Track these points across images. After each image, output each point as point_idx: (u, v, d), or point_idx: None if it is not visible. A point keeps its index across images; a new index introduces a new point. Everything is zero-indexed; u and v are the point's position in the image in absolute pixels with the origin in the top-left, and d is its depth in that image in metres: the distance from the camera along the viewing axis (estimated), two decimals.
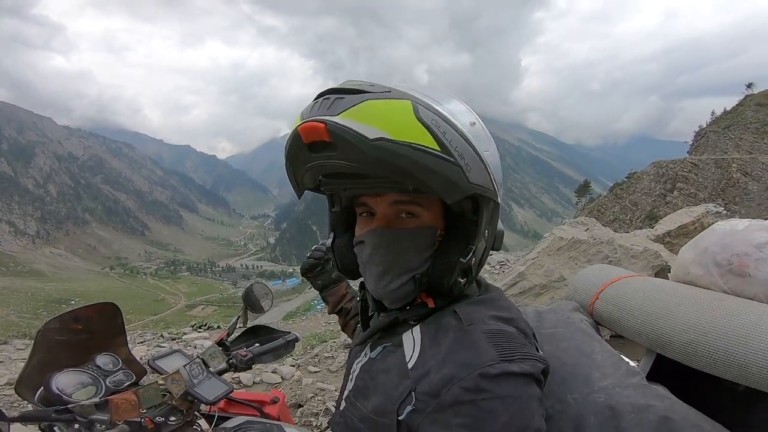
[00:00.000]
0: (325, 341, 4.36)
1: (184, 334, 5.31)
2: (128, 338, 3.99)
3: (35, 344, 0.93)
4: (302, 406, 2.81)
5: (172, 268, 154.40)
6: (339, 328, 5.76)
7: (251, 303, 1.29)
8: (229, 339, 1.20)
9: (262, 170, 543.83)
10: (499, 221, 0.63)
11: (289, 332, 1.32)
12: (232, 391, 1.00)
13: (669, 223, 4.68)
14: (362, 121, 0.50)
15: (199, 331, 5.57)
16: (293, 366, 3.71)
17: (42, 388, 0.90)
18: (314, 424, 2.62)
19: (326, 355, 3.81)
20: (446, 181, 0.52)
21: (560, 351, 0.78)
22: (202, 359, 1.02)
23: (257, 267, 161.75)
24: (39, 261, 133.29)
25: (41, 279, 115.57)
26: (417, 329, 0.60)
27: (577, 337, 0.83)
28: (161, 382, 0.88)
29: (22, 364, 0.88)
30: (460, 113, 0.55)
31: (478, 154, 0.54)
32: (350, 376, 0.68)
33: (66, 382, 0.90)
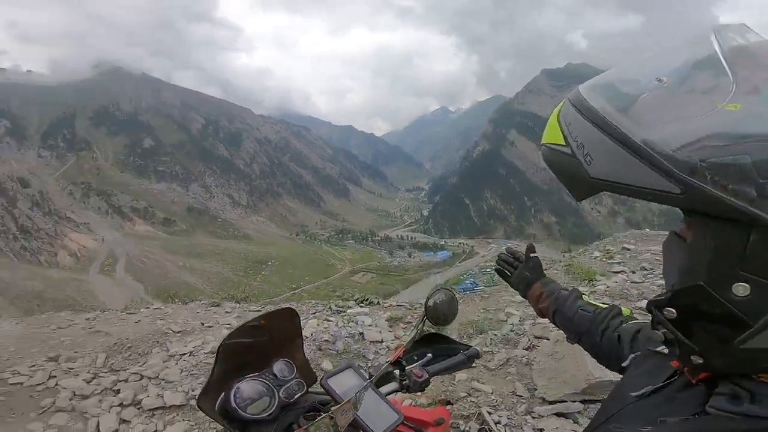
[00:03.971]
0: (485, 332, 3.98)
1: (349, 308, 5.75)
2: (304, 308, 4.50)
3: (217, 358, 0.94)
4: (451, 404, 2.60)
5: (340, 236, 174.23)
6: (500, 318, 5.20)
7: (435, 314, 1.17)
8: (408, 345, 1.11)
9: (415, 145, 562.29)
10: None
11: (470, 346, 1.20)
12: (401, 422, 0.93)
13: None
14: None
15: (361, 306, 5.98)
16: None
17: (223, 395, 0.92)
18: (461, 428, 2.39)
19: (485, 349, 3.45)
20: (564, 176, 0.48)
21: None
22: (374, 381, 0.97)
23: (411, 238, 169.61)
24: (248, 227, 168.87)
25: (249, 242, 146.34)
26: None
27: None
28: (331, 415, 0.84)
29: (227, 332, 0.87)
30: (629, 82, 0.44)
31: (623, 140, 0.40)
32: (619, 404, 0.57)
33: (245, 392, 0.93)
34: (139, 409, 3.15)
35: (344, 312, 5.48)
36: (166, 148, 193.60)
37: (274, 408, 0.94)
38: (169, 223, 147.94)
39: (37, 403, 3.29)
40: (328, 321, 4.72)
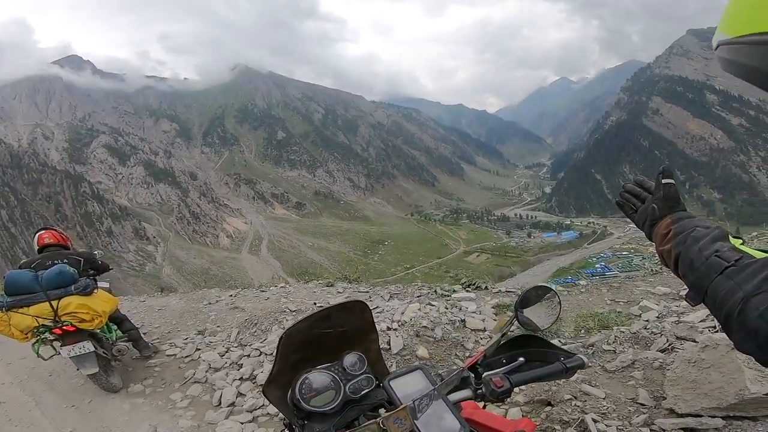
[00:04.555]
0: (608, 327, 3.46)
1: (454, 291, 5.61)
2: (409, 291, 4.49)
3: (279, 347, 0.92)
4: (552, 406, 2.31)
5: (454, 215, 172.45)
6: (632, 312, 4.50)
7: (527, 318, 1.05)
8: (485, 361, 1.00)
9: (533, 120, 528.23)
10: None
11: (574, 354, 1.01)
12: None
13: None
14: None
15: (467, 291, 5.80)
16: None
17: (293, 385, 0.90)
18: None
19: (606, 347, 2.97)
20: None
21: None
22: (440, 388, 0.87)
23: (531, 217, 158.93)
24: (366, 209, 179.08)
25: (367, 223, 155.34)
26: None
27: None
28: (380, 422, 0.77)
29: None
30: None
31: None
32: None
33: (312, 383, 0.90)
34: (254, 383, 3.45)
35: (449, 296, 5.35)
36: (295, 139, 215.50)
37: (337, 402, 0.90)
38: (301, 207, 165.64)
39: (182, 374, 3.81)
40: (431, 305, 4.65)
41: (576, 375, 2.60)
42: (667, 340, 2.79)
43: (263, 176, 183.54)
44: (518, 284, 6.00)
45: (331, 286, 6.91)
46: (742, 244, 0.71)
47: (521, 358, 1.00)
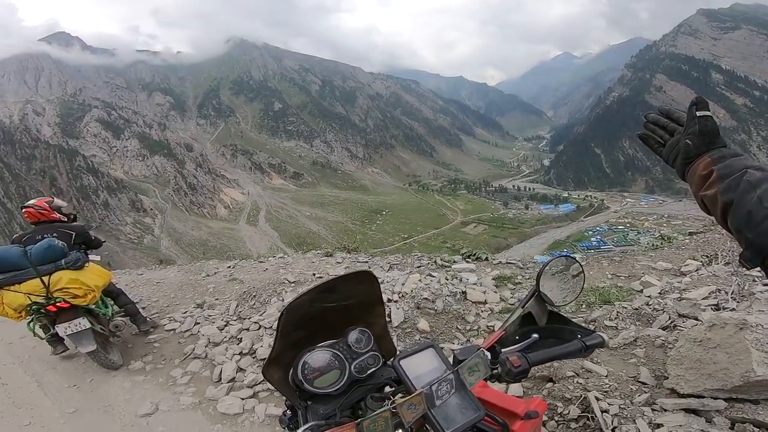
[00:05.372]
0: (610, 302, 3.40)
1: (454, 262, 5.57)
2: (409, 261, 4.40)
3: (279, 325, 0.85)
4: (554, 383, 2.27)
5: (452, 186, 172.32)
6: (634, 287, 4.44)
7: (550, 294, 0.97)
8: (509, 329, 0.95)
9: (534, 93, 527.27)
10: None
11: (592, 331, 0.95)
12: (481, 419, 0.81)
13: None
14: None
15: (468, 261, 5.76)
16: None
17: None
18: (559, 410, 2.06)
19: (608, 323, 2.90)
20: None
21: None
22: (458, 371, 0.81)
23: (529, 189, 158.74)
24: (364, 178, 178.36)
25: (365, 192, 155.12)
26: None
27: None
28: (393, 408, 0.72)
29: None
30: None
31: None
32: None
33: (314, 362, 0.86)
34: (253, 357, 3.41)
35: (449, 267, 5.30)
36: (292, 110, 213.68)
37: (342, 383, 0.86)
38: (298, 177, 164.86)
39: (182, 350, 3.77)
40: (432, 276, 4.60)
41: None
42: (669, 318, 2.75)
43: (260, 147, 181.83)
44: (518, 257, 5.93)
45: (330, 256, 6.85)
46: None
47: (535, 335, 0.95)
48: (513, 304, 3.79)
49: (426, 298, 3.85)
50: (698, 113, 0.72)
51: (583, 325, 0.98)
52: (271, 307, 4.18)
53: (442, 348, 1.00)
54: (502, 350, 0.90)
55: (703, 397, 1.85)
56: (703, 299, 2.91)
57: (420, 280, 4.36)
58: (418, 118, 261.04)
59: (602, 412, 1.93)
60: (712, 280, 3.24)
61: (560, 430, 2.03)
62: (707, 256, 4.21)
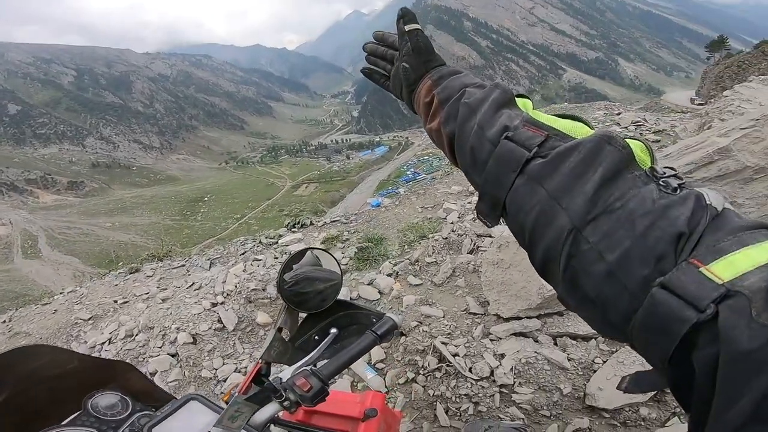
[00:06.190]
0: (425, 237, 3.56)
1: (280, 236, 5.19)
2: (231, 250, 3.77)
3: None
4: (405, 336, 2.28)
5: (273, 154, 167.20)
6: (439, 215, 4.68)
7: (298, 296, 0.86)
8: (270, 355, 0.81)
9: (333, 53, 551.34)
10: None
11: (382, 314, 0.84)
12: None
13: None
14: None
15: (293, 231, 5.43)
16: (390, 275, 3.16)
17: None
18: (419, 364, 2.07)
19: (428, 260, 3.01)
20: None
21: None
22: (226, 419, 0.62)
23: (346, 140, 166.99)
24: (170, 168, 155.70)
25: (177, 183, 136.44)
26: None
27: None
28: None
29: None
30: None
31: None
32: None
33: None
34: None
35: (276, 243, 4.92)
36: (39, 109, 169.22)
37: None
38: (77, 186, 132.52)
39: None
40: (257, 260, 4.17)
41: (414, 297, 2.57)
42: (472, 241, 2.97)
43: (5, 162, 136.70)
44: (340, 213, 5.90)
45: (137, 271, 5.74)
46: (534, 109, 0.47)
47: (333, 330, 0.86)
48: (346, 264, 3.66)
49: (255, 289, 3.44)
50: (406, 28, 0.61)
51: (374, 311, 0.88)
52: None
53: None
54: (291, 372, 0.71)
55: (520, 318, 1.96)
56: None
57: (244, 270, 3.87)
58: (218, 93, 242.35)
59: (453, 356, 1.90)
60: None
61: (429, 383, 2.02)
62: None
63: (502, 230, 2.36)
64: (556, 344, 1.90)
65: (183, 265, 5.38)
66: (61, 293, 5.92)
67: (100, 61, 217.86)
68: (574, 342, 1.91)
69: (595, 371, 1.81)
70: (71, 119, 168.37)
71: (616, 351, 1.85)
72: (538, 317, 1.95)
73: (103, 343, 3.46)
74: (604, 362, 1.82)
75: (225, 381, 2.72)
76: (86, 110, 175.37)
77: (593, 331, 1.97)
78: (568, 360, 1.83)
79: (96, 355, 3.34)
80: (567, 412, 1.78)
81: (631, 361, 1.74)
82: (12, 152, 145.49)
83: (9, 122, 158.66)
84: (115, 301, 4.56)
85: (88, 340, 3.65)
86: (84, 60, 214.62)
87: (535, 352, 1.83)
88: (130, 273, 5.71)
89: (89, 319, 4.17)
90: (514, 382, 1.82)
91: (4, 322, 5.08)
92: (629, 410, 1.69)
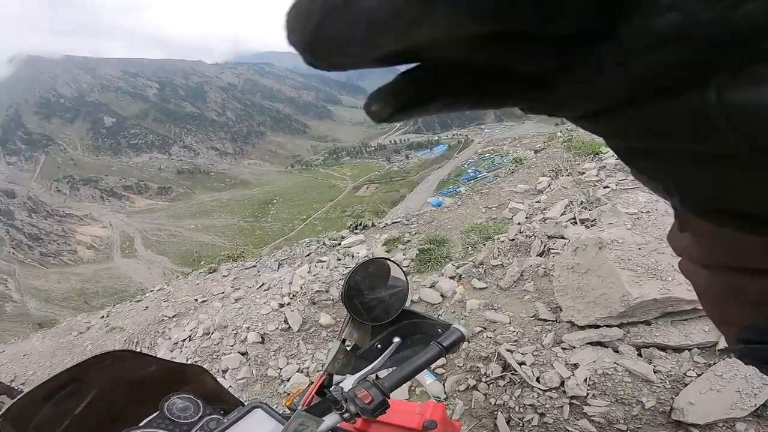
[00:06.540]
0: (490, 238, 3.43)
1: (343, 238, 5.36)
2: (297, 251, 4.10)
3: None
4: (468, 342, 2.21)
5: (334, 156, 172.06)
6: (505, 215, 4.58)
7: (362, 307, 0.85)
8: (334, 368, 0.80)
9: None
10: None
11: (449, 325, 0.82)
12: None
13: None
14: None
15: (355, 233, 5.58)
16: (453, 277, 3.12)
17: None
18: (482, 371, 2.00)
19: (494, 262, 2.88)
20: None
21: None
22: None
23: (404, 141, 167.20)
24: (243, 173, 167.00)
25: (249, 186, 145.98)
26: None
27: None
28: None
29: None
30: None
31: None
32: None
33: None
34: None
35: (338, 245, 5.09)
36: (130, 121, 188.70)
37: None
38: (166, 191, 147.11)
39: None
40: (321, 262, 4.35)
41: (477, 301, 2.53)
42: (542, 243, 2.84)
43: (105, 171, 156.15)
44: (401, 213, 5.96)
45: (214, 271, 6.24)
46: None
47: (396, 339, 0.86)
48: (407, 266, 3.70)
49: (318, 291, 3.58)
50: None
51: (442, 321, 0.85)
52: (161, 349, 3.77)
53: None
54: (351, 383, 0.73)
55: (598, 326, 1.85)
56: (561, 215, 3.07)
57: (309, 272, 4.05)
58: (282, 99, 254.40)
59: (520, 364, 1.86)
60: (563, 193, 3.50)
61: (491, 391, 1.97)
62: (553, 170, 4.62)
63: (578, 233, 2.25)
64: (640, 355, 1.76)
65: (254, 266, 5.74)
66: (151, 291, 6.64)
67: (178, 74, 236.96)
68: (662, 353, 1.75)
69: (686, 385, 1.65)
70: (158, 129, 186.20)
71: (714, 363, 1.67)
72: (620, 326, 1.82)
73: (185, 340, 3.75)
74: (699, 375, 1.66)
75: (288, 381, 2.80)
76: (170, 120, 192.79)
77: (687, 342, 1.82)
78: (654, 372, 1.69)
79: (178, 351, 3.71)
80: (648, 427, 1.65)
81: (731, 375, 1.58)
82: (110, 161, 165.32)
83: (106, 134, 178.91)
84: (196, 300, 4.97)
85: (172, 336, 3.98)
86: (164, 73, 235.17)
87: (615, 362, 1.71)
88: (209, 273, 6.21)
89: (173, 316, 4.59)
90: (588, 394, 1.71)
91: (102, 317, 5.74)
92: (723, 425, 1.55)
